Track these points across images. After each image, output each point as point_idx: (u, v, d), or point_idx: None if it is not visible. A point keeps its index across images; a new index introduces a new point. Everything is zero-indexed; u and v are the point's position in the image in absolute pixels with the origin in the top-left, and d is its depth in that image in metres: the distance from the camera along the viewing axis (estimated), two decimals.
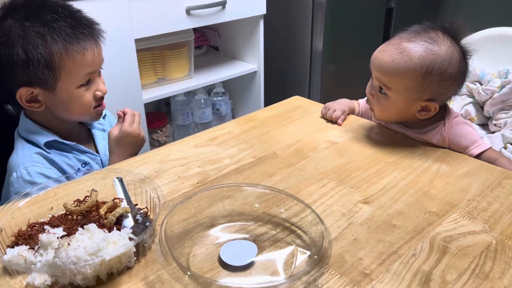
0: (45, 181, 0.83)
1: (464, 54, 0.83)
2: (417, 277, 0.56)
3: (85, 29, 0.85)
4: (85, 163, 0.94)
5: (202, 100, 1.92)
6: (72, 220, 0.65)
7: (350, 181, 0.77)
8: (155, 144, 1.88)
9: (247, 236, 0.64)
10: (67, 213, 0.66)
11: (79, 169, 0.92)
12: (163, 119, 1.90)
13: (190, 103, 1.93)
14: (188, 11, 1.58)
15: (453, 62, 0.82)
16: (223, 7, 1.68)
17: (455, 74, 0.82)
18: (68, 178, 0.77)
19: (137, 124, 0.95)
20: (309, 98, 2.19)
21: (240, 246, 0.62)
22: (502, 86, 1.09)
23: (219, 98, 1.98)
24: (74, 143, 0.92)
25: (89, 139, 1.00)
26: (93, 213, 0.66)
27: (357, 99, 1.06)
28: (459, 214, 0.68)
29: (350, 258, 0.60)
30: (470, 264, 0.58)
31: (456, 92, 0.86)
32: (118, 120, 0.95)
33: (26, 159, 0.86)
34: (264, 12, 1.86)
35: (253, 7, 1.81)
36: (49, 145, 0.89)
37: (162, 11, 1.52)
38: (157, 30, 1.53)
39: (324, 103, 1.03)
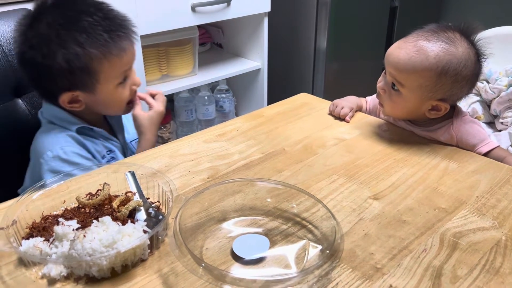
0: (80, 161, 0.87)
1: (479, 57, 0.84)
2: (428, 272, 0.57)
3: (120, 30, 0.86)
4: (110, 150, 0.96)
5: (206, 97, 1.93)
6: (85, 213, 0.65)
7: (359, 178, 0.77)
8: (159, 140, 1.88)
9: (258, 230, 0.64)
10: (80, 206, 0.66)
11: (104, 156, 0.95)
12: (166, 115, 1.91)
13: (193, 100, 1.94)
14: (193, 8, 1.58)
15: (468, 63, 0.82)
16: (228, 4, 1.68)
17: (469, 76, 0.83)
18: (87, 169, 0.78)
19: (165, 102, 1.01)
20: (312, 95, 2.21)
21: (252, 240, 0.62)
22: (510, 85, 1.09)
23: (223, 95, 1.99)
24: (101, 129, 0.95)
25: (109, 128, 1.02)
26: (106, 206, 0.66)
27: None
28: (468, 211, 0.69)
29: (362, 252, 0.60)
30: (480, 259, 0.59)
31: (468, 94, 0.87)
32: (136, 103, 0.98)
33: (60, 139, 0.88)
34: (269, 9, 1.86)
35: (258, 4, 1.81)
36: (79, 131, 0.91)
37: (168, 8, 1.53)
38: (162, 26, 1.54)
39: (328, 101, 1.04)
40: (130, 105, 0.96)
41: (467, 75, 0.82)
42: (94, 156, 0.92)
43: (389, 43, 2.30)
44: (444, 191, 0.73)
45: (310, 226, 0.65)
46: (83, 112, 0.93)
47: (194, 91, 1.93)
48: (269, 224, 0.66)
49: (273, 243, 0.62)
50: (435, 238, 0.63)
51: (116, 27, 0.86)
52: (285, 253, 0.61)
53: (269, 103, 2.11)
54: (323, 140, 0.90)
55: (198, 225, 0.65)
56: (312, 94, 2.21)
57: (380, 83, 0.91)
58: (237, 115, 2.16)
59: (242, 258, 0.59)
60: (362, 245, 0.62)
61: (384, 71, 0.90)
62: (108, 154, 0.96)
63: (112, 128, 1.03)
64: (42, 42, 0.83)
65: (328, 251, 0.58)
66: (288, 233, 0.64)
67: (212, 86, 2.00)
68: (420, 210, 0.69)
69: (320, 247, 0.61)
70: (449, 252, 0.60)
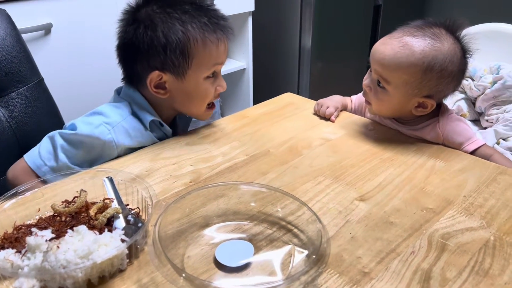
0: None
1: (465, 53, 0.83)
2: (417, 275, 0.55)
3: (220, 20, 0.87)
4: None
5: None
6: (61, 222, 0.62)
7: (345, 178, 0.76)
8: None
9: (242, 235, 0.62)
10: (55, 214, 0.63)
11: None
12: None
13: None
14: None
15: (454, 59, 0.81)
16: (211, 3, 1.65)
17: (455, 72, 0.82)
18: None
19: None
20: (298, 94, 2.20)
21: (236, 246, 0.60)
22: (494, 82, 1.09)
23: None
24: (170, 130, 0.92)
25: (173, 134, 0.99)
26: (83, 214, 0.63)
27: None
28: (456, 211, 0.67)
29: (349, 256, 0.59)
30: (469, 261, 0.58)
31: (454, 90, 0.86)
32: None
33: (124, 122, 0.85)
34: (253, 9, 1.84)
35: (242, 4, 1.80)
36: (150, 124, 0.88)
37: None
38: None
39: (314, 100, 1.02)
40: (209, 108, 0.92)
41: (453, 71, 0.81)
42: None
43: (373, 41, 2.28)
44: (431, 191, 0.72)
45: (295, 230, 0.63)
46: (160, 105, 0.90)
47: None
48: (254, 229, 0.64)
49: (257, 249, 0.60)
50: (423, 239, 0.62)
51: (218, 17, 0.87)
52: (270, 259, 0.59)
53: (255, 102, 2.10)
54: (308, 141, 0.88)
55: (180, 232, 0.62)
56: (298, 93, 2.21)
57: (365, 80, 0.90)
58: (222, 115, 2.14)
59: (226, 266, 0.57)
60: (349, 248, 0.60)
61: (369, 69, 0.88)
62: None
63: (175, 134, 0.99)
64: (146, 17, 0.84)
65: (314, 256, 0.56)
66: (273, 238, 0.62)
67: None
68: (407, 211, 0.67)
69: (306, 252, 0.59)
70: (438, 254, 0.59)
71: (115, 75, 1.56)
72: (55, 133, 0.84)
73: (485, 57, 0.85)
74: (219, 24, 0.86)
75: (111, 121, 0.84)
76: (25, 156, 0.85)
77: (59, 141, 0.83)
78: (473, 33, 0.87)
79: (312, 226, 0.61)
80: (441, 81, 0.82)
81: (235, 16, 1.82)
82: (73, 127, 0.84)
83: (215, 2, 1.65)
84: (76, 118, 0.86)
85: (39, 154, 0.84)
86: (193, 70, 0.85)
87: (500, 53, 1.11)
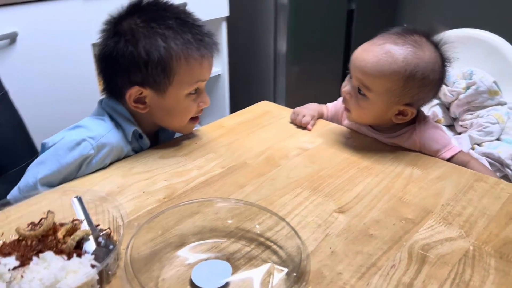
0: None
1: (444, 61, 0.83)
2: None
3: (204, 37, 0.84)
4: None
5: None
6: (26, 246, 0.59)
7: (323, 189, 0.74)
8: None
9: (219, 255, 0.60)
10: (20, 238, 0.60)
11: None
12: None
13: None
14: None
15: (436, 68, 0.81)
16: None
17: (436, 80, 0.82)
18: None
19: None
20: (274, 99, 2.19)
21: (213, 266, 0.58)
22: (467, 87, 1.10)
23: None
24: (148, 143, 0.89)
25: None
26: (50, 237, 0.60)
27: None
28: (435, 220, 0.67)
29: (329, 273, 0.57)
30: (449, 273, 0.57)
31: (433, 99, 0.86)
32: None
33: (109, 135, 0.82)
34: (227, 14, 1.83)
35: (215, 9, 1.78)
36: (133, 134, 0.86)
37: None
38: None
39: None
40: (192, 121, 0.90)
41: (434, 79, 0.81)
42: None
43: (347, 45, 2.31)
44: (410, 200, 0.72)
45: (274, 246, 0.62)
46: (141, 118, 0.87)
47: None
48: (231, 246, 0.61)
49: (235, 268, 0.58)
50: (403, 252, 0.61)
51: (202, 34, 0.85)
52: (249, 279, 0.57)
53: (232, 108, 2.08)
54: (285, 151, 0.87)
55: (154, 253, 0.60)
56: (274, 97, 2.20)
57: (345, 87, 0.88)
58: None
59: None
60: (329, 264, 0.59)
61: (349, 76, 0.87)
62: None
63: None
64: (128, 31, 0.81)
65: (294, 274, 0.54)
66: (251, 256, 0.60)
67: None
68: (387, 222, 0.67)
69: (286, 269, 0.57)
70: (418, 266, 0.58)
71: (85, 86, 1.52)
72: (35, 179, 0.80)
73: (458, 63, 0.85)
74: (203, 41, 0.84)
75: (95, 135, 0.81)
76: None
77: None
78: (445, 38, 0.87)
79: (291, 241, 0.60)
80: (422, 89, 0.81)
81: (209, 21, 1.79)
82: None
83: (189, 7, 1.63)
84: (52, 137, 0.83)
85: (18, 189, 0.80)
86: (175, 87, 0.83)
87: (472, 58, 1.13)
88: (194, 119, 0.90)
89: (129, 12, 0.84)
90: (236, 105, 2.09)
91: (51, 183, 0.79)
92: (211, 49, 0.86)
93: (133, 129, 0.85)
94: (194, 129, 0.96)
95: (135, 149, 0.88)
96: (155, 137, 0.95)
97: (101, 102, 0.90)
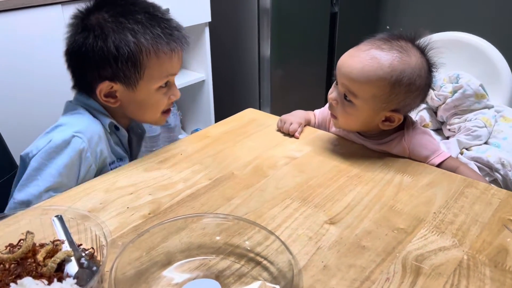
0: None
1: (430, 66, 0.82)
2: None
3: (174, 31, 0.85)
4: (120, 158, 0.91)
5: None
6: (4, 270, 0.55)
7: (313, 200, 0.73)
8: None
9: (208, 273, 0.58)
10: None
11: (113, 162, 0.90)
12: None
13: None
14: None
15: (422, 73, 0.80)
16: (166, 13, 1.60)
17: (422, 86, 0.81)
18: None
19: None
20: (259, 104, 2.18)
21: (202, 286, 0.56)
22: (454, 91, 1.10)
23: None
24: (125, 133, 0.91)
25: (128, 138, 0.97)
26: (29, 260, 0.57)
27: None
28: (427, 229, 0.66)
29: None
30: (445, 284, 0.56)
31: (420, 104, 0.85)
32: None
33: (84, 128, 0.82)
34: (209, 19, 1.80)
35: (198, 15, 1.75)
36: (109, 126, 0.87)
37: None
38: None
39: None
40: (164, 114, 0.91)
41: (420, 85, 0.80)
42: (105, 162, 0.87)
43: (331, 48, 2.31)
44: (401, 209, 0.70)
45: (265, 262, 0.60)
46: (114, 112, 0.88)
47: None
48: (220, 264, 0.59)
49: (225, 287, 0.55)
50: (397, 263, 0.59)
51: (171, 28, 0.85)
52: None
53: (216, 114, 2.05)
54: (273, 160, 0.85)
55: (139, 273, 0.57)
56: (259, 101, 2.18)
57: (331, 94, 0.87)
58: (183, 129, 2.08)
59: None
60: (322, 279, 0.57)
61: (335, 82, 0.86)
62: (118, 162, 0.90)
63: (131, 140, 0.96)
64: (96, 26, 0.81)
65: None
66: (241, 274, 0.58)
67: None
68: (379, 232, 0.65)
69: (277, 286, 0.56)
70: (413, 278, 0.57)
71: (65, 93, 1.47)
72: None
73: (444, 66, 0.84)
74: (173, 35, 0.84)
75: (80, 129, 0.81)
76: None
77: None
78: (432, 43, 0.86)
79: (282, 256, 0.58)
80: (408, 95, 0.80)
81: (192, 27, 1.77)
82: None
83: (170, 13, 1.60)
84: (32, 145, 0.81)
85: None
86: (145, 81, 0.84)
87: (458, 62, 1.13)
88: (166, 112, 0.91)
89: (97, 6, 0.83)
90: (220, 110, 2.07)
91: (57, 191, 0.79)
92: (181, 43, 0.86)
93: (109, 122, 0.86)
94: (180, 136, 0.98)
95: (115, 142, 0.89)
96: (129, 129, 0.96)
97: (71, 102, 0.90)
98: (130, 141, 0.97)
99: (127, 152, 0.95)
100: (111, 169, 0.88)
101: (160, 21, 0.84)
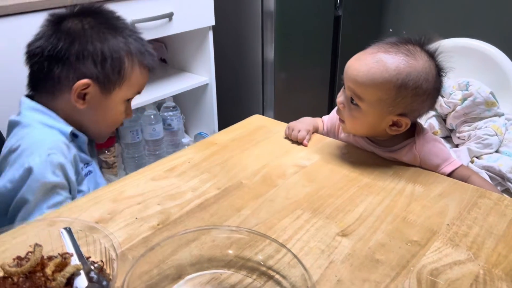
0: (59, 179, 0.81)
1: (439, 71, 0.81)
2: None
3: (152, 52, 0.91)
4: (87, 163, 0.92)
5: (152, 116, 1.82)
6: (13, 284, 0.55)
7: (324, 211, 0.72)
8: (103, 165, 1.75)
9: None
10: (6, 275, 0.55)
11: (82, 168, 0.90)
12: (110, 138, 1.78)
13: (139, 120, 1.82)
14: (132, 25, 1.48)
15: (429, 77, 0.79)
16: (170, 19, 1.59)
17: (430, 90, 0.80)
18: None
19: None
20: (263, 107, 2.16)
21: None
22: (464, 99, 1.09)
23: (170, 113, 1.89)
24: (85, 138, 0.91)
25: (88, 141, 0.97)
26: (38, 273, 0.56)
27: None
28: (442, 242, 0.65)
29: None
30: None
31: (429, 110, 0.84)
32: None
33: (52, 144, 0.82)
34: (213, 23, 1.79)
35: (202, 18, 1.74)
36: (70, 134, 0.88)
37: None
38: None
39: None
40: (113, 131, 0.97)
41: (428, 89, 0.79)
42: (77, 169, 0.87)
43: (335, 51, 2.30)
44: (414, 220, 0.69)
45: (277, 276, 0.59)
46: (66, 116, 0.88)
47: (139, 110, 1.82)
48: (232, 278, 0.58)
49: None
50: (412, 278, 0.58)
51: (149, 48, 0.91)
52: None
53: (220, 117, 2.04)
54: (282, 169, 0.84)
55: None
56: (263, 105, 2.17)
57: (339, 97, 0.86)
58: (186, 133, 2.07)
59: None
60: None
61: (343, 86, 0.85)
62: (86, 167, 0.91)
63: (90, 142, 0.96)
64: (85, 30, 0.84)
65: None
66: None
67: (158, 104, 1.89)
68: (392, 245, 0.64)
69: None
70: None
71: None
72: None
73: (453, 73, 0.83)
74: (153, 55, 0.91)
75: (49, 145, 0.81)
76: None
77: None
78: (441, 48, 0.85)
79: (294, 270, 0.57)
80: (415, 98, 0.79)
81: (196, 31, 1.76)
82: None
83: (175, 16, 1.60)
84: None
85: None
86: (121, 90, 0.88)
87: (467, 69, 1.12)
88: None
89: (79, 13, 0.86)
90: (224, 113, 2.06)
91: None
92: (157, 65, 0.93)
93: (70, 130, 0.86)
94: (183, 140, 1.04)
95: (76, 148, 0.89)
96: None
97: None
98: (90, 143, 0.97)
99: (91, 155, 0.95)
100: (84, 175, 0.90)
101: (142, 40, 0.90)
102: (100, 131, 0.94)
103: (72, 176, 0.84)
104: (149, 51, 0.90)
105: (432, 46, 0.81)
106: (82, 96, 0.86)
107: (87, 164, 0.92)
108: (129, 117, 0.94)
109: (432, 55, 0.81)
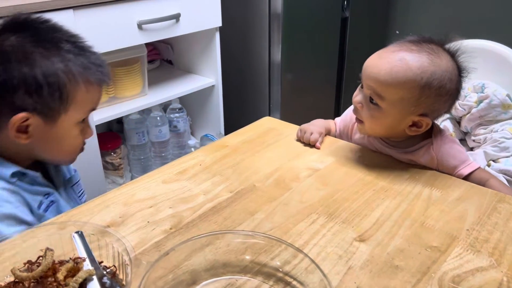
0: (14, 228, 0.70)
1: (460, 71, 0.79)
2: None
3: (102, 63, 0.79)
4: (47, 194, 0.82)
5: (158, 118, 1.81)
6: None
7: (340, 215, 0.70)
8: (109, 167, 1.74)
9: None
10: (17, 280, 0.54)
11: (41, 202, 0.81)
12: (116, 140, 1.77)
13: (145, 121, 1.81)
14: (140, 26, 1.47)
15: (453, 77, 0.77)
16: (177, 20, 1.58)
17: (452, 91, 0.78)
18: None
19: None
20: (269, 109, 2.15)
21: None
22: (480, 101, 1.07)
23: (176, 114, 1.88)
24: (37, 174, 0.80)
25: (43, 171, 0.86)
26: (50, 279, 0.54)
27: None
28: (462, 247, 0.63)
29: None
30: None
31: (449, 110, 0.82)
32: None
33: None
34: (220, 24, 1.78)
35: (209, 20, 1.73)
36: (12, 176, 0.76)
37: (112, 26, 1.40)
38: (107, 46, 1.41)
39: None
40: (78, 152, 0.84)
41: (450, 89, 0.78)
42: (30, 205, 0.78)
43: (342, 53, 2.29)
44: (433, 225, 0.68)
45: (294, 282, 0.57)
46: (16, 153, 0.78)
47: (145, 111, 1.81)
48: (248, 284, 0.57)
49: None
50: (433, 285, 0.57)
51: (100, 61, 0.79)
52: None
53: (226, 119, 2.03)
54: (295, 172, 0.82)
55: None
56: (269, 107, 2.16)
57: (356, 97, 0.83)
58: (192, 134, 2.06)
59: None
60: None
61: (360, 85, 0.83)
62: (46, 198, 0.82)
63: (48, 170, 0.87)
64: (16, 50, 0.71)
65: None
66: None
67: (164, 106, 1.88)
68: (411, 251, 0.62)
69: None
70: None
71: None
72: None
73: (469, 75, 0.82)
74: (102, 66, 0.79)
75: None
76: None
77: None
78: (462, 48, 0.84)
79: (312, 276, 0.55)
80: (438, 98, 0.77)
81: (202, 32, 1.75)
82: None
83: (182, 18, 1.59)
84: None
85: None
86: (68, 115, 0.76)
87: (482, 71, 1.10)
88: (81, 150, 0.85)
89: (8, 29, 0.73)
90: (230, 115, 2.05)
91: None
92: (107, 78, 0.80)
93: (12, 170, 0.76)
94: (189, 142, 0.91)
95: (28, 183, 0.79)
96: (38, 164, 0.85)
97: None
98: (47, 171, 0.87)
99: (51, 185, 0.85)
100: (45, 210, 0.81)
101: (87, 51, 0.78)
102: (60, 160, 0.85)
103: (28, 217, 0.76)
104: (95, 63, 0.77)
105: (453, 46, 0.79)
106: (24, 129, 0.74)
107: (47, 194, 0.83)
108: (88, 136, 0.84)
109: (453, 55, 0.79)
